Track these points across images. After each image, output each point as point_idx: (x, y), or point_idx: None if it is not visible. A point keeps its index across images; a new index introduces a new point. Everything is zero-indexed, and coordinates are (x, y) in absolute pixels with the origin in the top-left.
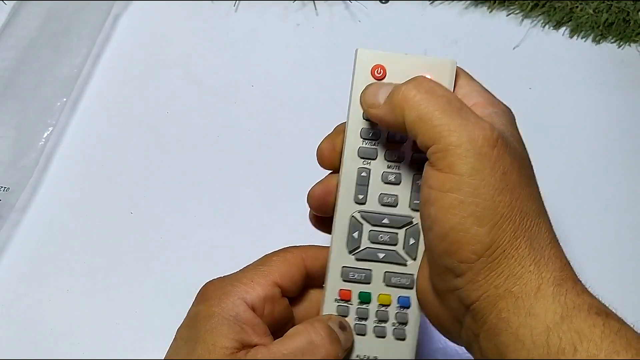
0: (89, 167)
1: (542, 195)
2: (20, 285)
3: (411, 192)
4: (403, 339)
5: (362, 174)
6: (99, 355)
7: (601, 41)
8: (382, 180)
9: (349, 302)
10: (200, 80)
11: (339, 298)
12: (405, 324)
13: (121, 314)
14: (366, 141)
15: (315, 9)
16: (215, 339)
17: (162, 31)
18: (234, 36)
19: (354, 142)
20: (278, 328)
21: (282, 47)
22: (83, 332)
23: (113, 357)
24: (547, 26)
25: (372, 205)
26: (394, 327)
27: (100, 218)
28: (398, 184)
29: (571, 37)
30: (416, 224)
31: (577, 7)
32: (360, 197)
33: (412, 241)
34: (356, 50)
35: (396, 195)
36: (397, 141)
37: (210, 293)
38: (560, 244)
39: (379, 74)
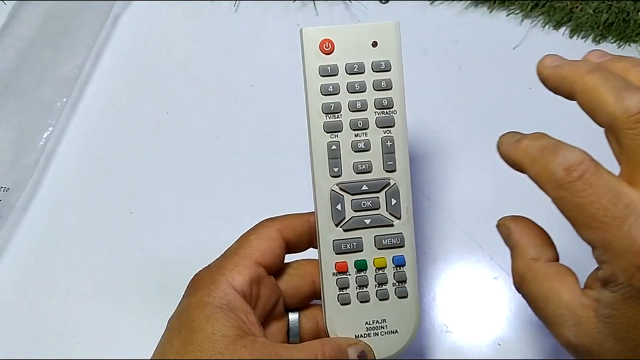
0: (89, 167)
1: (541, 196)
2: (20, 285)
3: (382, 154)
4: (405, 297)
5: (332, 148)
6: (99, 355)
7: (601, 41)
8: (353, 149)
9: (347, 274)
10: (200, 80)
11: (335, 271)
12: (404, 281)
13: (121, 314)
14: (329, 115)
15: (315, 9)
16: (215, 327)
17: (162, 31)
18: (234, 36)
19: (317, 119)
20: (269, 308)
21: (282, 47)
22: (83, 332)
23: (113, 357)
24: (547, 26)
25: (348, 175)
26: (394, 287)
27: (100, 218)
28: (368, 149)
29: (571, 37)
30: (394, 184)
31: (577, 7)
32: (335, 170)
33: (393, 201)
34: (300, 31)
35: (369, 161)
36: (359, 109)
37: (200, 284)
38: (561, 244)
39: (327, 48)
